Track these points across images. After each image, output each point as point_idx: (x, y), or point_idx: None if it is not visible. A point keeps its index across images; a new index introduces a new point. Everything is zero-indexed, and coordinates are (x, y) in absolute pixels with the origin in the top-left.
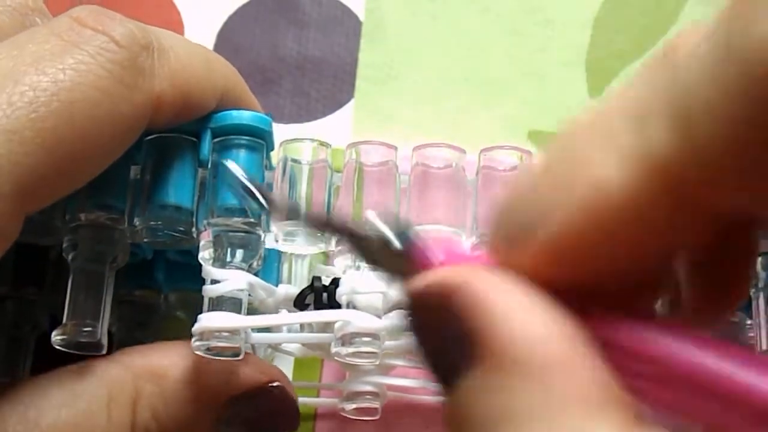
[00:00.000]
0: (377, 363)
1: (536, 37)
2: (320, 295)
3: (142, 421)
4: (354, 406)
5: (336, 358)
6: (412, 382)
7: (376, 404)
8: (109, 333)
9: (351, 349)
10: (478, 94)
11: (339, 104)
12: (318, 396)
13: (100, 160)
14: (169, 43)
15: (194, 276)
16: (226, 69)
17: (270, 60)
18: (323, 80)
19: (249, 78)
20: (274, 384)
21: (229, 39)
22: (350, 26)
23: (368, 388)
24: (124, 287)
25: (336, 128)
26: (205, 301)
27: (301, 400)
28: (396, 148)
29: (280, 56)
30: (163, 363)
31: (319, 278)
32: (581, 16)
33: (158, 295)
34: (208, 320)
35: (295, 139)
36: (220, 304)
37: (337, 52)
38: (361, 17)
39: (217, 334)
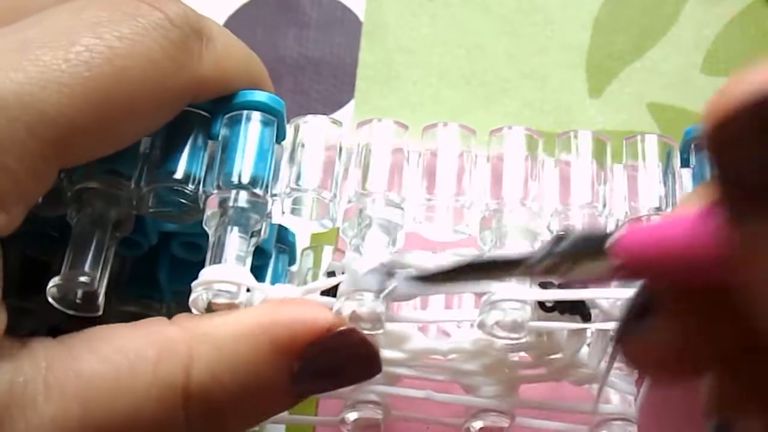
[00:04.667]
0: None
1: (536, 38)
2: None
3: (199, 384)
4: (356, 415)
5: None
6: (418, 393)
7: (378, 415)
8: None
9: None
10: (478, 94)
11: (339, 104)
12: (316, 408)
13: (137, 129)
14: (217, 31)
15: (197, 277)
16: (261, 67)
17: (270, 60)
18: (323, 80)
19: None
20: (348, 327)
21: None
22: (350, 26)
23: (372, 397)
24: (127, 292)
25: None
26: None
27: (299, 417)
28: (407, 127)
29: (281, 56)
30: (224, 326)
31: (333, 273)
32: (581, 17)
33: (160, 306)
34: (211, 272)
35: (306, 116)
36: (222, 259)
37: (337, 52)
38: (361, 17)
39: (218, 287)
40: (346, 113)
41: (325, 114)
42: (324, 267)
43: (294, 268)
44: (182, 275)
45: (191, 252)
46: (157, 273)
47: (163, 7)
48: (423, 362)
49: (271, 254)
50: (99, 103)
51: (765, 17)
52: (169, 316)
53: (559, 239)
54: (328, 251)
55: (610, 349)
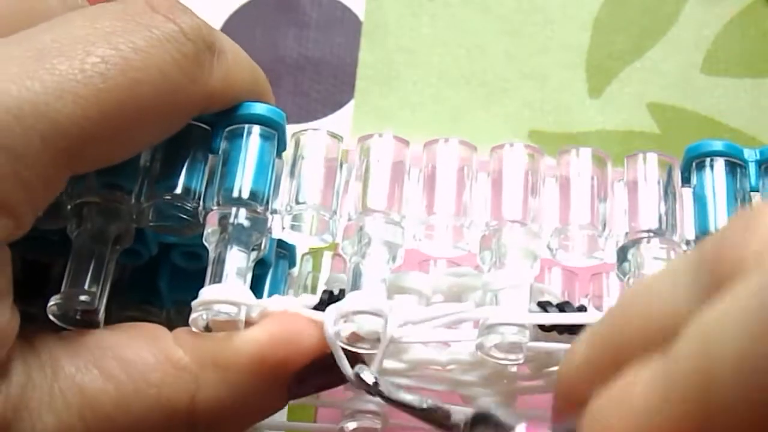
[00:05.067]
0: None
1: (536, 38)
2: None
3: (204, 408)
4: (355, 425)
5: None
6: None
7: (377, 425)
8: None
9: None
10: (478, 94)
11: (339, 104)
12: (315, 416)
13: (146, 140)
14: (227, 44)
15: (198, 286)
16: (265, 80)
17: (270, 60)
18: (323, 80)
19: None
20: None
21: None
22: (350, 26)
23: (370, 406)
24: (128, 298)
25: (336, 128)
26: (208, 273)
27: (298, 425)
28: (408, 143)
29: (280, 56)
30: (230, 353)
31: (329, 292)
32: (581, 17)
33: (160, 312)
34: (211, 291)
35: (306, 130)
36: (222, 277)
37: (337, 52)
38: (361, 17)
39: (218, 307)
40: (346, 113)
41: (325, 114)
42: (323, 271)
43: (294, 270)
44: (183, 284)
45: (192, 261)
46: (158, 281)
47: (177, 19)
48: (422, 372)
49: (271, 264)
50: (111, 113)
51: (765, 17)
52: (169, 322)
53: (476, 421)
54: (327, 256)
55: None
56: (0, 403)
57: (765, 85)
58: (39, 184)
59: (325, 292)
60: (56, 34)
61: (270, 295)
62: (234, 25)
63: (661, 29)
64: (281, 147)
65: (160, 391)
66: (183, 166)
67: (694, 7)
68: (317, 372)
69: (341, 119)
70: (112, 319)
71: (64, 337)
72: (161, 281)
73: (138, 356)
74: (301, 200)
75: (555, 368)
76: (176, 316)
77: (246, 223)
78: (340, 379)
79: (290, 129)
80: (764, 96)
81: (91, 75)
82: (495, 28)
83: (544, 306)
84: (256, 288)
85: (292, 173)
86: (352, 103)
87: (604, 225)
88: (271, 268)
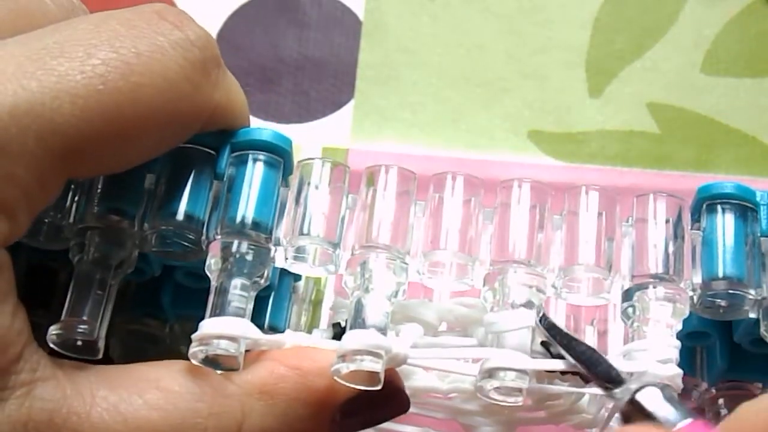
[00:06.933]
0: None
1: (536, 37)
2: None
3: None
4: None
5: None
6: (417, 429)
7: None
8: (110, 360)
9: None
10: (478, 94)
11: (339, 104)
12: None
13: (147, 147)
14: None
15: (201, 302)
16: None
17: (270, 60)
18: (323, 80)
19: (249, 78)
20: (388, 379)
21: (229, 39)
22: (350, 26)
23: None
24: (131, 312)
25: (336, 128)
26: (208, 308)
27: None
28: (414, 175)
29: (280, 56)
30: (276, 383)
31: (338, 324)
32: (581, 16)
33: (164, 326)
34: (211, 325)
35: (311, 159)
36: (223, 310)
37: (337, 52)
38: (361, 17)
39: (216, 341)
40: (346, 113)
41: (325, 114)
42: (327, 287)
43: (300, 285)
44: (186, 300)
45: (196, 281)
46: (161, 297)
47: (185, 27)
48: (423, 399)
49: (275, 287)
50: (111, 116)
51: (765, 17)
52: (173, 337)
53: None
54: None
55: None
56: (22, 415)
57: (765, 84)
58: (35, 185)
59: (335, 326)
60: (58, 37)
61: (273, 312)
62: (234, 25)
63: (661, 29)
64: (287, 172)
65: (207, 422)
66: (187, 193)
67: (694, 7)
68: (364, 406)
69: (341, 119)
70: (115, 333)
71: (104, 369)
72: (164, 298)
73: (184, 387)
74: (304, 232)
75: (556, 401)
76: (180, 331)
77: (248, 254)
78: (385, 414)
79: (291, 129)
80: (764, 96)
81: (91, 77)
82: (495, 28)
83: (547, 347)
84: (260, 305)
85: (297, 201)
86: (352, 103)
87: (610, 266)
88: (273, 290)
